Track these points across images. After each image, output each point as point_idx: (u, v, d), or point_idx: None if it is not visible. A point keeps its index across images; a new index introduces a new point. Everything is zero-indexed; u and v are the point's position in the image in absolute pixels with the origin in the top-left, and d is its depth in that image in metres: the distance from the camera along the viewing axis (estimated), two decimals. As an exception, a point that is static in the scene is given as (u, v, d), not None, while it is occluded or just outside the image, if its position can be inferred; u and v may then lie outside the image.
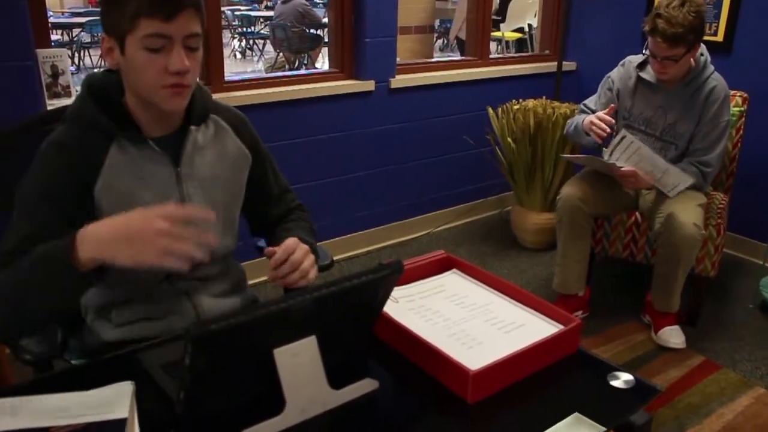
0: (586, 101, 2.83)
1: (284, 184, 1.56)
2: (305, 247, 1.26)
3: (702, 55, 2.53)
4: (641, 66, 2.64)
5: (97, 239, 1.04)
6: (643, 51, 2.58)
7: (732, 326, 2.78)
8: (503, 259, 3.38)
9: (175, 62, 1.16)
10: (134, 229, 1.02)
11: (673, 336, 2.58)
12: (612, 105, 2.60)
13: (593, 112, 2.73)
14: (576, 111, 2.93)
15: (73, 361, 1.38)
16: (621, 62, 2.74)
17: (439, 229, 3.71)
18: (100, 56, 9.19)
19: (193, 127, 1.31)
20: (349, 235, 3.35)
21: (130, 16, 1.14)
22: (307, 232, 1.46)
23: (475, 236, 3.67)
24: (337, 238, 3.29)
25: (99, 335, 1.31)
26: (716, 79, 2.53)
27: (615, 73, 2.73)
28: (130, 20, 1.14)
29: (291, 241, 1.25)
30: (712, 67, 2.55)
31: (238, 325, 0.82)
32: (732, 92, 2.68)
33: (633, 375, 1.08)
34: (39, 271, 1.07)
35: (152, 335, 1.26)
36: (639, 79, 2.63)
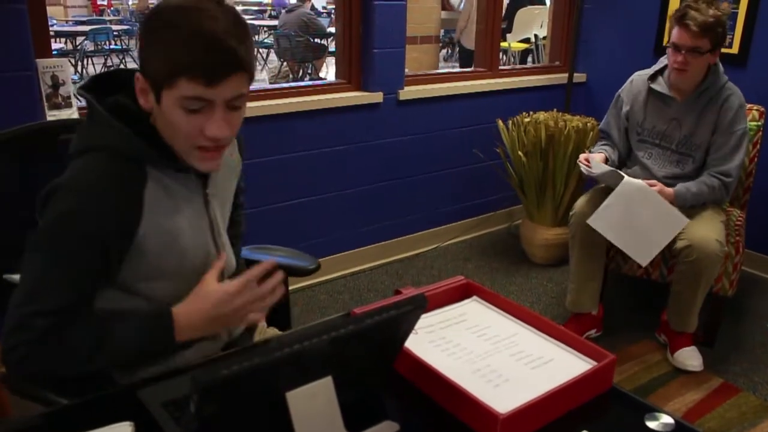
0: (601, 124, 2.80)
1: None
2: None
3: (716, 64, 2.47)
4: (653, 78, 2.58)
5: (193, 327, 1.13)
6: (661, 59, 2.52)
7: (750, 347, 2.70)
8: (513, 275, 3.30)
9: (213, 130, 1.07)
10: (218, 312, 1.13)
11: (690, 358, 2.50)
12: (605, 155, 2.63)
13: (607, 134, 2.75)
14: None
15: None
16: (629, 79, 2.69)
17: (447, 243, 3.63)
18: (104, 65, 9.18)
19: None
20: (356, 250, 3.27)
21: (168, 70, 1.03)
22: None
23: (484, 251, 3.59)
24: (343, 253, 3.21)
25: (135, 374, 1.21)
26: (730, 89, 2.48)
27: (624, 91, 2.70)
28: (168, 75, 1.03)
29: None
30: (726, 77, 2.50)
31: (250, 370, 0.74)
32: (748, 106, 2.62)
33: (672, 416, 1.00)
34: (136, 349, 1.12)
35: (184, 366, 1.18)
36: (650, 91, 2.58)
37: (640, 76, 2.65)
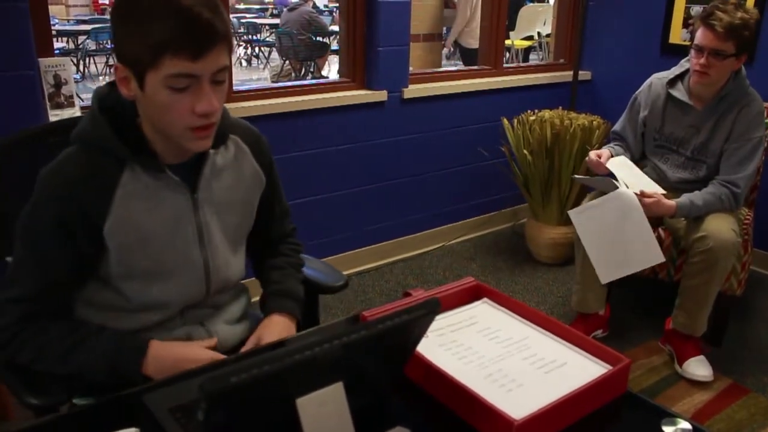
0: (615, 127, 2.72)
1: (285, 205, 1.49)
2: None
3: (739, 71, 2.41)
4: (672, 83, 2.52)
5: (161, 364, 1.16)
6: (682, 62, 2.48)
7: (758, 347, 2.67)
8: (518, 275, 3.28)
9: (204, 105, 1.05)
10: (186, 367, 1.13)
11: (699, 368, 2.43)
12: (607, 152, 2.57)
13: (622, 137, 2.66)
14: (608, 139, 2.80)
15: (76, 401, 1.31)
16: (648, 80, 2.62)
17: (451, 242, 3.61)
18: (106, 64, 9.16)
19: (212, 151, 1.21)
20: (360, 249, 3.25)
21: (152, 49, 1.01)
22: (295, 283, 1.43)
23: (489, 250, 3.56)
24: (347, 252, 3.19)
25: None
26: (751, 95, 2.42)
27: (642, 95, 2.62)
28: (152, 55, 1.01)
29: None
30: (747, 83, 2.44)
31: (259, 378, 0.72)
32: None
33: (690, 422, 0.98)
34: (103, 364, 1.15)
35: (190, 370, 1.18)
36: (669, 97, 2.52)
37: (659, 80, 2.57)
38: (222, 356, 1.20)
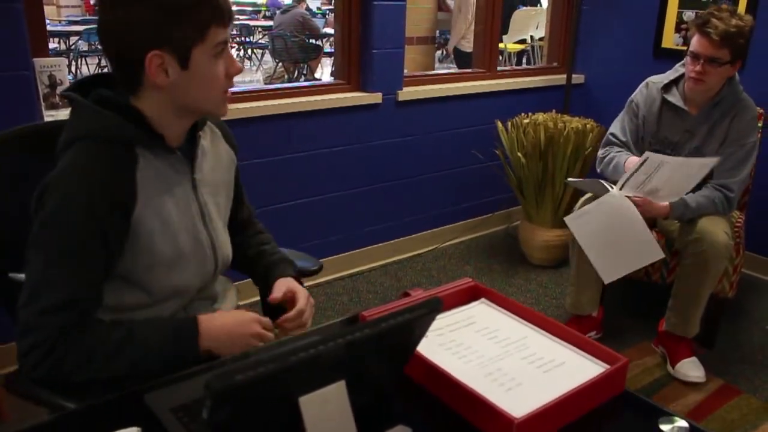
0: (613, 130, 2.67)
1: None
2: (311, 301, 1.38)
3: (733, 77, 2.44)
4: (666, 88, 2.53)
5: (213, 337, 1.18)
6: (677, 66, 2.49)
7: (750, 349, 2.69)
8: (512, 277, 3.30)
9: (236, 66, 1.18)
10: (238, 332, 1.20)
11: (692, 369, 2.45)
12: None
13: (622, 142, 2.61)
14: (603, 147, 2.68)
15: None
16: (644, 83, 2.63)
17: (445, 244, 3.62)
18: (98, 65, 9.12)
19: (201, 133, 1.28)
20: (354, 251, 3.25)
21: (201, 26, 1.11)
22: (290, 263, 1.51)
23: (483, 252, 3.58)
24: (342, 254, 3.20)
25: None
26: (745, 101, 2.44)
27: (639, 96, 2.62)
28: (200, 30, 1.11)
29: (303, 302, 1.36)
30: (741, 88, 2.47)
31: (264, 376, 0.73)
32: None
33: (687, 420, 0.99)
34: (158, 354, 1.14)
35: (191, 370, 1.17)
36: (664, 101, 2.53)
37: (654, 84, 2.58)
38: (266, 319, 1.26)
